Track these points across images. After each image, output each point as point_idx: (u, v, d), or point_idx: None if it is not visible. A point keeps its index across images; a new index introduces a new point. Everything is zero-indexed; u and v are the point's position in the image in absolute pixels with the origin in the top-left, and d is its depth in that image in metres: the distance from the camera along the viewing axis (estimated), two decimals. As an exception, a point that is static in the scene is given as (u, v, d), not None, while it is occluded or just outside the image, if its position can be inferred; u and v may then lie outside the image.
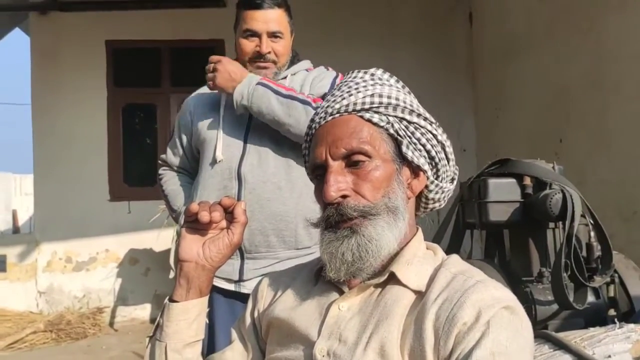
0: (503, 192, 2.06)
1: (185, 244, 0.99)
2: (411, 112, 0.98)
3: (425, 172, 0.99)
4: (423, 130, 0.98)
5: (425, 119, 0.99)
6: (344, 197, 0.93)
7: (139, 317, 5.98)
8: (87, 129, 6.13)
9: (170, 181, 2.08)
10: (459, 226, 2.29)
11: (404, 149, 0.96)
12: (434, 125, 1.00)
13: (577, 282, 1.87)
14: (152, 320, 5.85)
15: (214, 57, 1.91)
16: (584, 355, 1.34)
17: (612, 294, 1.96)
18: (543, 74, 4.66)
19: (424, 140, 0.98)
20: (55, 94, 6.11)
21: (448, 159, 1.02)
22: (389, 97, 0.97)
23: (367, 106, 0.96)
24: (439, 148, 1.00)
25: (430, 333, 0.85)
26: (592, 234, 1.99)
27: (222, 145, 1.88)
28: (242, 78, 1.84)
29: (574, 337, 1.47)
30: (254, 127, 1.89)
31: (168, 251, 5.23)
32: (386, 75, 1.02)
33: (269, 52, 1.89)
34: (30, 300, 5.92)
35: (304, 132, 1.72)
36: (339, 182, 0.93)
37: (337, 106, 0.97)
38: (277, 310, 1.03)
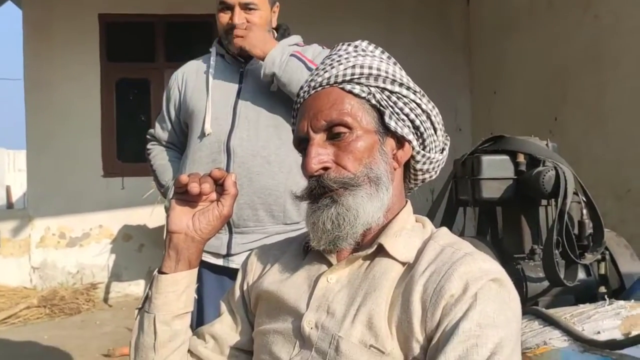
0: (496, 169, 2.05)
1: (174, 216, 0.99)
2: (393, 81, 0.97)
3: (410, 142, 0.98)
4: (406, 100, 0.97)
5: (409, 88, 0.98)
6: (326, 169, 0.94)
7: (132, 293, 6.00)
8: (80, 104, 6.08)
9: (159, 156, 2.06)
10: (452, 203, 2.29)
11: (386, 119, 0.96)
12: (418, 94, 0.98)
13: (568, 259, 1.87)
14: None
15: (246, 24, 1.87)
16: (574, 331, 1.34)
17: (602, 271, 1.97)
18: (540, 52, 4.63)
19: (407, 110, 0.97)
20: (48, 68, 6.04)
21: (435, 129, 1.01)
22: (370, 68, 0.96)
23: (347, 78, 0.95)
24: (424, 117, 0.98)
25: (418, 305, 0.84)
26: (585, 211, 1.99)
27: (210, 118, 1.86)
28: (273, 46, 1.82)
29: (564, 313, 1.48)
30: (243, 100, 1.87)
31: (162, 227, 5.23)
32: (371, 47, 1.01)
33: (242, 23, 1.86)
34: (24, 275, 5.92)
35: None
36: (320, 154, 0.94)
37: (319, 79, 0.97)
38: (266, 282, 1.02)
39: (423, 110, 0.98)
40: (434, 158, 1.02)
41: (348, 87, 0.95)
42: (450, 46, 6.28)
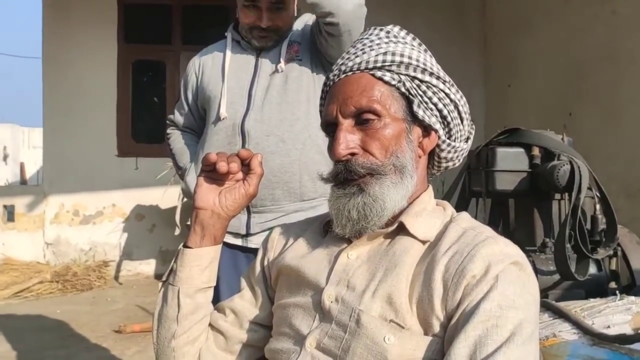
0: (511, 162, 2.06)
1: (201, 192, 1.02)
2: (423, 70, 0.97)
3: (436, 131, 0.99)
4: (435, 89, 0.98)
5: (438, 77, 0.98)
6: (353, 154, 0.94)
7: (143, 272, 6.07)
8: (96, 83, 6.12)
9: (177, 140, 2.10)
10: (465, 194, 2.30)
11: (414, 108, 0.96)
12: (447, 84, 0.99)
13: (580, 253, 1.88)
14: (157, 276, 5.96)
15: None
16: (583, 325, 1.35)
17: (614, 267, 1.98)
18: (556, 46, 4.59)
19: (435, 100, 0.98)
20: (67, 47, 6.07)
21: (462, 118, 1.02)
22: (401, 56, 0.96)
23: (379, 64, 0.96)
24: (451, 107, 0.99)
25: (439, 284, 0.86)
26: (598, 206, 1.99)
27: (226, 102, 1.88)
28: None
29: (574, 306, 1.49)
30: (258, 83, 1.89)
31: (174, 208, 5.27)
32: (402, 33, 1.01)
33: (269, 26, 1.86)
34: (38, 250, 6.00)
35: (337, 14, 1.68)
36: (348, 140, 0.95)
37: (350, 64, 0.98)
38: (287, 258, 1.05)
39: (451, 100, 0.99)
40: (458, 147, 1.03)
41: (378, 73, 0.96)
42: (465, 38, 6.23)
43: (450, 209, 1.02)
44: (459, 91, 1.01)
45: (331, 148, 0.97)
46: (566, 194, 2.01)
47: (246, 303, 1.10)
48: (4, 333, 3.93)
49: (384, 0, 6.07)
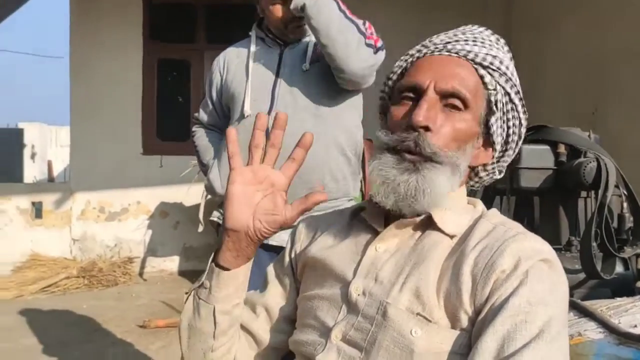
0: (536, 159, 2.04)
1: (234, 211, 0.93)
2: (517, 92, 0.98)
3: (495, 150, 0.99)
4: (515, 114, 0.98)
5: (523, 105, 0.99)
6: (427, 129, 0.91)
7: (167, 268, 6.13)
8: (122, 82, 6.19)
9: (202, 137, 2.13)
10: (489, 192, 2.28)
11: (492, 120, 0.96)
12: (525, 114, 1.00)
13: (606, 252, 1.85)
14: (180, 273, 6.02)
15: None
16: (609, 324, 1.33)
17: (641, 266, 1.95)
18: (582, 43, 4.53)
19: (511, 123, 0.98)
20: (93, 47, 6.15)
21: (514, 150, 1.02)
22: (507, 68, 0.97)
23: (486, 63, 0.95)
24: (516, 137, 1.00)
25: (468, 278, 0.85)
26: (625, 204, 1.96)
27: (250, 100, 1.89)
28: None
29: (600, 305, 1.47)
30: (282, 81, 1.89)
31: (197, 206, 5.30)
32: (507, 47, 1.02)
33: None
34: (65, 246, 6.10)
35: (345, 60, 1.70)
36: (431, 113, 0.91)
37: (458, 47, 0.96)
38: (314, 250, 1.04)
39: (520, 131, 1.00)
40: (495, 175, 1.04)
41: (482, 71, 0.95)
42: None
43: (480, 205, 1.01)
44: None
45: (403, 113, 0.94)
46: (592, 192, 1.99)
47: (277, 297, 1.09)
48: (31, 327, 4.01)
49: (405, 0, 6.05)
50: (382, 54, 1.80)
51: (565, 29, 4.81)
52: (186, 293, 1.03)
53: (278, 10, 1.89)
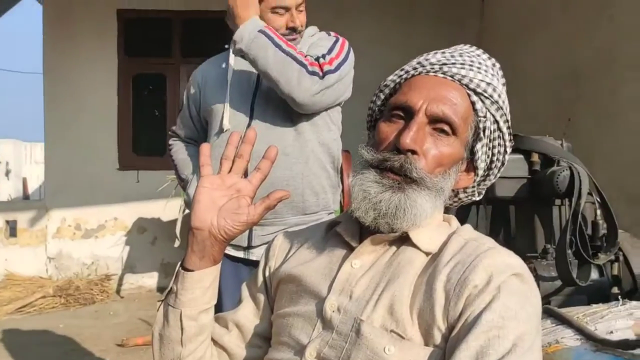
0: (510, 168, 2.04)
1: (199, 210, 0.96)
2: (506, 120, 0.99)
3: (476, 175, 1.00)
4: (501, 142, 0.99)
5: (510, 134, 1.00)
6: (413, 152, 0.91)
7: (145, 285, 6.05)
8: (97, 97, 6.14)
9: (180, 151, 2.11)
10: (466, 202, 2.29)
11: (478, 145, 0.97)
12: (510, 143, 1.01)
13: (582, 259, 1.87)
14: (159, 289, 5.95)
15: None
16: (586, 331, 1.35)
17: (615, 272, 1.96)
18: (554, 53, 4.60)
19: (496, 150, 0.99)
20: (67, 62, 6.11)
21: (495, 175, 1.04)
22: (499, 96, 0.98)
23: (479, 90, 0.96)
24: (499, 163, 1.01)
25: (441, 294, 0.85)
26: (599, 212, 1.99)
27: (228, 114, 1.88)
28: (249, 17, 1.80)
29: (576, 312, 1.48)
30: (260, 95, 1.89)
31: (175, 221, 5.27)
32: (501, 73, 1.02)
33: (301, 25, 1.90)
34: (40, 265, 6.00)
35: (289, 93, 1.73)
36: (419, 136, 0.92)
37: (454, 70, 0.96)
38: (289, 267, 1.04)
39: (503, 159, 1.01)
40: (474, 197, 1.05)
41: (474, 97, 0.96)
42: (464, 43, 6.24)
43: (455, 222, 1.02)
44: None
45: (391, 131, 0.94)
46: (566, 200, 2.01)
47: (249, 315, 1.08)
48: (7, 349, 3.92)
49: (383, 12, 6.10)
50: (332, 77, 1.80)
51: (538, 40, 4.89)
52: (158, 301, 1.03)
53: (276, 19, 1.88)
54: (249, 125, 1.85)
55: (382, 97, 1.04)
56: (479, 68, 0.98)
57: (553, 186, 1.92)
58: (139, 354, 3.76)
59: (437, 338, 0.85)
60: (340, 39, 1.91)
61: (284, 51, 1.77)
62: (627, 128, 3.64)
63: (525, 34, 5.11)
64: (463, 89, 0.96)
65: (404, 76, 1.01)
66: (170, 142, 2.16)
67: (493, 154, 0.99)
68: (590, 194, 1.98)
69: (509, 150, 1.01)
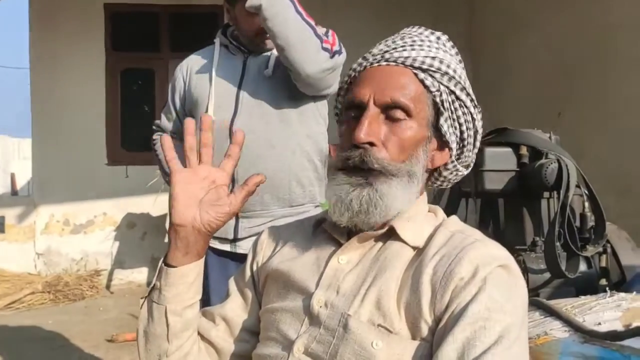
0: (499, 161, 2.07)
1: (179, 207, 0.95)
2: (462, 88, 0.97)
3: (451, 149, 0.99)
4: (465, 110, 0.98)
5: (472, 99, 0.98)
6: (372, 144, 0.91)
7: (135, 280, 6.03)
8: (85, 92, 6.09)
9: None
10: (455, 195, 2.30)
11: (441, 120, 0.96)
12: (477, 108, 0.99)
13: (570, 251, 1.89)
14: (149, 284, 5.89)
15: None
16: (574, 322, 1.35)
17: (603, 263, 1.98)
18: (546, 47, 4.62)
19: (462, 120, 0.97)
20: (54, 57, 6.05)
21: (474, 145, 1.02)
22: (447, 66, 0.96)
23: (425, 66, 0.94)
24: (472, 132, 0.99)
25: (427, 287, 0.85)
26: (587, 204, 2.00)
27: (213, 106, 1.87)
28: None
29: (565, 304, 1.49)
30: (247, 87, 1.88)
31: (165, 216, 5.26)
32: (449, 44, 1.01)
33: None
34: (29, 261, 5.95)
35: (301, 63, 1.69)
36: (373, 128, 0.91)
37: (395, 55, 0.95)
38: (276, 262, 1.03)
39: (474, 125, 1.00)
40: (460, 171, 1.03)
41: (422, 75, 0.94)
42: (454, 40, 6.24)
43: (441, 214, 1.01)
44: (481, 120, 1.01)
45: (349, 131, 0.94)
46: (555, 193, 2.02)
47: (237, 309, 1.08)
48: (-4, 345, 3.90)
49: (372, 11, 6.08)
50: (339, 58, 1.79)
51: (530, 34, 4.90)
52: (142, 298, 1.02)
53: (252, 21, 1.85)
54: (234, 116, 1.84)
55: (341, 100, 1.05)
56: (420, 45, 0.96)
57: (541, 179, 1.93)
58: (129, 349, 3.75)
59: (424, 331, 0.84)
60: (331, 30, 1.89)
61: (304, 19, 1.74)
62: (617, 122, 3.67)
63: (517, 29, 5.12)
64: (409, 70, 0.94)
65: (353, 74, 1.01)
66: (154, 136, 2.14)
67: (460, 124, 0.97)
68: (578, 186, 1.99)
69: (477, 116, 0.99)
